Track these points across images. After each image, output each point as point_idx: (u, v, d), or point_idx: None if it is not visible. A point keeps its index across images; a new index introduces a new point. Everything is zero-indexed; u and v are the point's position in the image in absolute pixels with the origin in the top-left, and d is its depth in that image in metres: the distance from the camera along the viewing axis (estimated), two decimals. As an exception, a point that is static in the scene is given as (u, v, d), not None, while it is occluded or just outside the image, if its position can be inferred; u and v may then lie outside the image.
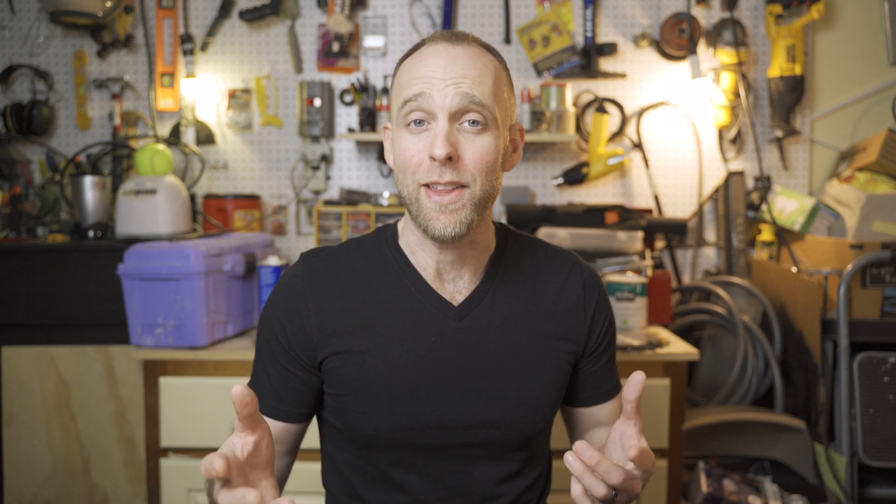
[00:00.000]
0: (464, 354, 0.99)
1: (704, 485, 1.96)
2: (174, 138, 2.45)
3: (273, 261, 1.94)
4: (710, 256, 2.53)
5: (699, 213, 2.51)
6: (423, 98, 0.91)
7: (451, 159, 0.90)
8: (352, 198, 2.38)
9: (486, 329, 1.00)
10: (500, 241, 1.06)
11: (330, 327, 0.99)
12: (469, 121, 0.92)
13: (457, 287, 1.01)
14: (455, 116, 0.91)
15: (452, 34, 0.95)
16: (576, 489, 0.84)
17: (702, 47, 2.46)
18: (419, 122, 0.92)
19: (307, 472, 1.44)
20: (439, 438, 0.99)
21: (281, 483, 1.06)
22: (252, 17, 2.41)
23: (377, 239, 1.05)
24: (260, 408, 0.97)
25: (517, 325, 1.01)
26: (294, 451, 1.07)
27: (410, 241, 1.01)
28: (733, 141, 2.49)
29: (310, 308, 0.99)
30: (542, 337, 1.02)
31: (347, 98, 2.47)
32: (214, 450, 0.76)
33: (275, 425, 1.01)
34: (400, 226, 1.05)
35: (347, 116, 2.49)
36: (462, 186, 0.92)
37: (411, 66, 0.94)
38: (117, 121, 2.44)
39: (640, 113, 2.49)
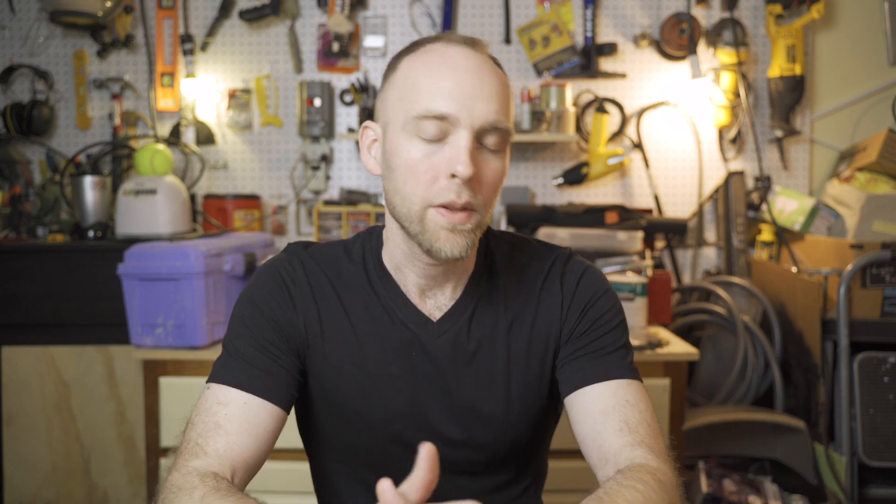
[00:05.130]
0: (442, 371, 0.95)
1: (704, 485, 1.96)
2: (174, 138, 2.45)
3: (273, 261, 1.94)
4: (710, 256, 2.53)
5: (699, 213, 2.51)
6: (449, 116, 0.84)
7: (470, 179, 0.85)
8: (352, 198, 2.38)
9: (464, 345, 0.95)
10: (481, 253, 1.00)
11: (313, 326, 0.95)
12: (489, 141, 0.88)
13: (437, 303, 0.97)
14: (478, 135, 0.86)
15: (469, 38, 0.89)
16: None
17: (702, 47, 2.46)
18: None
19: (301, 472, 1.43)
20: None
21: (253, 470, 0.92)
22: (252, 17, 2.41)
23: (362, 247, 1.00)
24: (227, 380, 0.94)
25: (498, 340, 0.97)
26: (269, 439, 0.92)
27: (395, 256, 0.95)
28: (733, 141, 2.49)
29: (296, 301, 0.95)
30: (524, 350, 0.97)
31: (347, 98, 2.47)
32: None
33: (242, 403, 0.91)
34: (385, 235, 0.99)
35: (347, 116, 2.49)
36: (473, 209, 0.87)
37: (430, 72, 0.86)
38: (117, 121, 2.44)
39: (640, 113, 2.49)
